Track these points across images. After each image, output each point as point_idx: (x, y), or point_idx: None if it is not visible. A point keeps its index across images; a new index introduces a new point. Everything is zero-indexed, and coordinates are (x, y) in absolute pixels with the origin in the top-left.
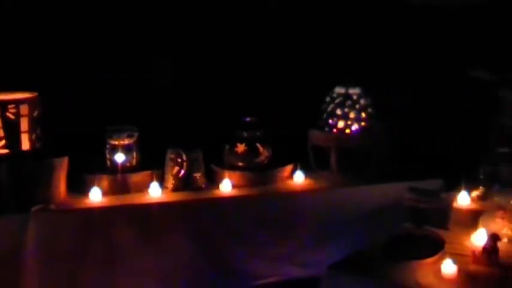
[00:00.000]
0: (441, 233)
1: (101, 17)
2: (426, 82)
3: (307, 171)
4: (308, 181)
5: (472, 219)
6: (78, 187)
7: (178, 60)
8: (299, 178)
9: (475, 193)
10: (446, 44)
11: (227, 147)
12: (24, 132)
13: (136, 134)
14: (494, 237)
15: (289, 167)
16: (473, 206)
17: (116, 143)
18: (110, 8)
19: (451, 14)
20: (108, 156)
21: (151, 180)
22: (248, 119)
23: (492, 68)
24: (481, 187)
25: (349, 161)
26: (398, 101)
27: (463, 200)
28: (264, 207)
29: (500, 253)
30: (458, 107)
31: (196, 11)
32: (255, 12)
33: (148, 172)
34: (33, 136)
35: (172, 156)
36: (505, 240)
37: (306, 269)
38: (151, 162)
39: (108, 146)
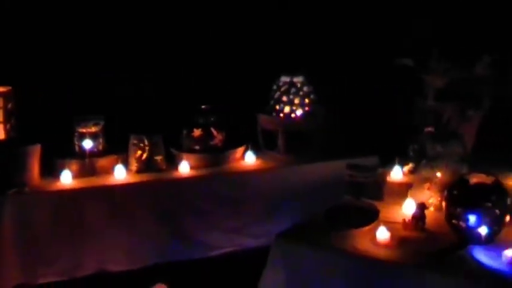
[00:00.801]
0: (376, 204)
1: (66, 14)
2: (362, 70)
3: (257, 152)
4: (258, 161)
5: (404, 191)
6: (50, 171)
7: (141, 55)
8: (250, 158)
9: (406, 168)
10: (377, 36)
11: (185, 132)
12: (0, 123)
13: (102, 122)
14: (421, 206)
15: (241, 149)
16: (405, 179)
17: (84, 130)
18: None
19: (378, 9)
20: (76, 142)
21: (117, 163)
22: (203, 106)
23: (416, 56)
24: (410, 163)
25: (294, 142)
26: (337, 87)
27: (396, 174)
28: (219, 185)
29: (427, 220)
30: (391, 91)
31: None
32: (208, 5)
33: (113, 156)
34: (8, 126)
35: (135, 141)
36: (431, 208)
37: (257, 239)
38: (116, 147)
39: (76, 134)
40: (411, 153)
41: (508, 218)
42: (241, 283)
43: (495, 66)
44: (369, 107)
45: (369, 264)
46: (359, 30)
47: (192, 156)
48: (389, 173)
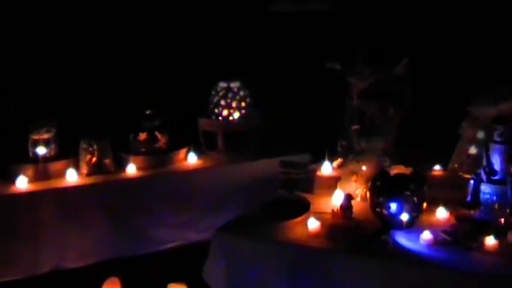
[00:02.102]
0: (308, 196)
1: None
2: (294, 74)
3: (199, 153)
4: (200, 161)
5: (333, 184)
6: (6, 176)
7: (89, 65)
8: (192, 159)
9: (335, 163)
10: (308, 42)
11: (131, 136)
12: None
13: (54, 130)
14: (348, 197)
15: (183, 150)
16: (334, 173)
17: (37, 137)
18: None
19: (309, 18)
20: (30, 149)
21: (68, 167)
22: (148, 112)
23: (343, 60)
24: (339, 158)
25: (233, 143)
26: (272, 90)
27: (326, 169)
28: (164, 184)
29: (354, 209)
30: (321, 93)
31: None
32: (149, 12)
33: (65, 161)
34: None
35: (84, 145)
36: (358, 199)
37: (202, 233)
38: (68, 151)
39: (30, 141)
40: (340, 149)
41: (425, 204)
42: (187, 274)
43: (413, 67)
44: (302, 108)
45: (301, 252)
46: (290, 36)
47: (139, 159)
48: (320, 168)
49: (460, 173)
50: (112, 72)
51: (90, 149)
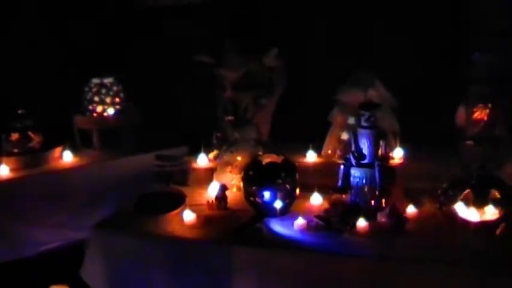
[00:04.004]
0: (184, 189)
1: None
2: (168, 68)
3: (75, 151)
4: (76, 159)
5: (209, 175)
6: None
7: None
8: (68, 157)
9: (210, 155)
10: (181, 35)
11: (3, 136)
12: None
13: None
14: (223, 188)
15: (58, 149)
16: (210, 165)
17: None
18: None
19: (179, 12)
20: None
21: None
22: (20, 111)
23: (211, 53)
24: (215, 149)
25: (109, 139)
26: (147, 84)
27: (201, 161)
28: (40, 184)
29: (230, 199)
30: (194, 85)
31: None
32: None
33: None
34: None
35: None
36: (234, 189)
37: (81, 232)
38: None
39: None
40: (215, 141)
41: (298, 191)
42: (69, 275)
43: (283, 57)
44: (177, 101)
45: (178, 244)
46: (160, 31)
47: (11, 160)
48: (195, 160)
49: (333, 159)
50: None
51: None
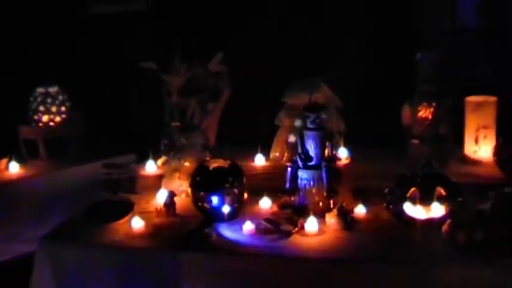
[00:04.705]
0: (132, 197)
1: None
2: (114, 76)
3: (21, 162)
4: (22, 170)
5: (157, 182)
6: None
7: None
8: (14, 168)
9: (159, 161)
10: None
11: None
12: None
13: None
14: (171, 194)
15: (4, 161)
16: (158, 171)
17: None
18: None
19: (124, 19)
20: None
21: None
22: None
23: (157, 60)
24: (163, 156)
25: (55, 149)
26: (94, 93)
27: (150, 168)
28: None
29: (178, 206)
30: (142, 92)
31: None
32: None
33: None
34: None
35: None
36: (183, 195)
37: (29, 244)
38: None
39: None
40: (162, 148)
41: (246, 195)
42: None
43: (228, 62)
44: (126, 108)
45: (127, 253)
46: (105, 38)
47: None
48: (143, 168)
49: (281, 162)
50: None
51: None
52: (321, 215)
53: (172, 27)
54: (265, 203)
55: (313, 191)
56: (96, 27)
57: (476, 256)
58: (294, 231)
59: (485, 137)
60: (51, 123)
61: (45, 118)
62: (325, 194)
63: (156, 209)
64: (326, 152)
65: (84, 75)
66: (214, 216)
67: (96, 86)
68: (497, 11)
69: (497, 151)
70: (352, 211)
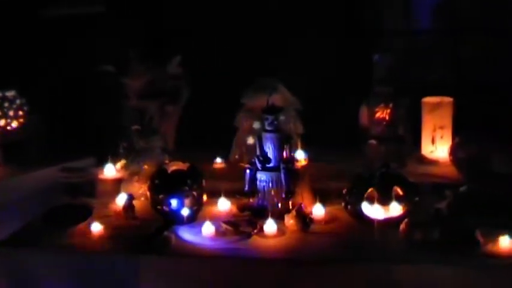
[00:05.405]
0: (91, 201)
1: None
2: (72, 79)
3: None
4: None
5: (116, 186)
6: None
7: None
8: None
9: (118, 165)
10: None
11: None
12: None
13: None
14: (130, 198)
15: None
16: (118, 175)
17: None
18: None
19: (83, 22)
20: None
21: None
22: None
23: (116, 63)
24: (122, 159)
25: (13, 154)
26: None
27: (109, 171)
28: None
29: (138, 209)
30: (100, 95)
31: None
32: None
33: None
34: None
35: None
36: (142, 198)
37: None
38: None
39: None
40: (121, 151)
41: (205, 197)
42: None
43: (187, 64)
44: (83, 112)
45: (87, 257)
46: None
47: None
48: (102, 172)
49: (241, 164)
50: None
51: None
52: (279, 217)
53: (131, 30)
54: (224, 205)
55: (272, 192)
56: (55, 30)
57: (433, 254)
58: (253, 232)
59: (441, 137)
60: (9, 128)
61: (2, 122)
62: (283, 196)
63: (115, 212)
64: (284, 153)
65: (43, 79)
66: (174, 219)
67: (55, 90)
68: (451, 11)
69: (454, 151)
70: (310, 212)
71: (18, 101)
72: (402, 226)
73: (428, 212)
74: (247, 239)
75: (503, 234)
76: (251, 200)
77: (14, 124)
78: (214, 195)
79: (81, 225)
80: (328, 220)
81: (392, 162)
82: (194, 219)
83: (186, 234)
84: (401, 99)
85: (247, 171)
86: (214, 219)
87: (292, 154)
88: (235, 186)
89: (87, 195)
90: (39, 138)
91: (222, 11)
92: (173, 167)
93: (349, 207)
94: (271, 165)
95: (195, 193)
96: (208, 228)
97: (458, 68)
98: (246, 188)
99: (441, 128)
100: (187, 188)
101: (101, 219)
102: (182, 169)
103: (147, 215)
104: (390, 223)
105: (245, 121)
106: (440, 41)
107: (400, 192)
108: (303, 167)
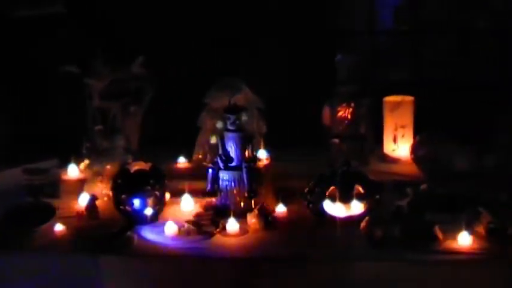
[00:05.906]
0: (54, 201)
1: None
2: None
3: None
4: None
5: (79, 186)
6: None
7: None
8: None
9: (81, 165)
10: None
11: None
12: None
13: None
14: (92, 198)
15: None
16: (81, 176)
17: None
18: None
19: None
20: None
21: None
22: None
23: (78, 63)
24: (86, 160)
25: None
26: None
27: (72, 172)
28: None
29: (101, 209)
30: (62, 96)
31: None
32: None
33: None
34: None
35: None
36: (105, 198)
37: None
38: None
39: None
40: (84, 151)
41: (168, 197)
42: None
43: (150, 64)
44: (46, 112)
45: (49, 259)
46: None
47: None
48: (65, 172)
49: (204, 163)
50: None
51: None
52: (242, 215)
53: (94, 30)
54: (187, 205)
55: (235, 191)
56: (17, 30)
57: (392, 251)
58: (215, 232)
59: (403, 135)
60: None
61: None
62: (246, 195)
63: (77, 213)
64: (246, 153)
65: (5, 79)
66: (136, 218)
67: (17, 90)
68: (413, 13)
69: (415, 149)
70: (273, 211)
71: None
72: (363, 224)
73: (389, 209)
74: (210, 238)
75: (461, 230)
76: (214, 200)
77: None
78: (177, 195)
79: (44, 226)
80: (290, 219)
81: (354, 161)
82: (157, 219)
83: (149, 233)
84: (362, 99)
85: (210, 170)
86: (177, 218)
87: (254, 153)
88: (198, 186)
89: (50, 196)
90: (0, 139)
91: (186, 10)
92: (136, 166)
93: (311, 205)
94: (233, 164)
95: (157, 193)
96: (170, 228)
97: (419, 67)
98: (209, 188)
99: (402, 127)
100: (149, 187)
101: (63, 220)
102: (145, 169)
103: (109, 215)
104: (352, 221)
105: (208, 121)
106: (402, 42)
107: (361, 190)
108: (266, 166)
